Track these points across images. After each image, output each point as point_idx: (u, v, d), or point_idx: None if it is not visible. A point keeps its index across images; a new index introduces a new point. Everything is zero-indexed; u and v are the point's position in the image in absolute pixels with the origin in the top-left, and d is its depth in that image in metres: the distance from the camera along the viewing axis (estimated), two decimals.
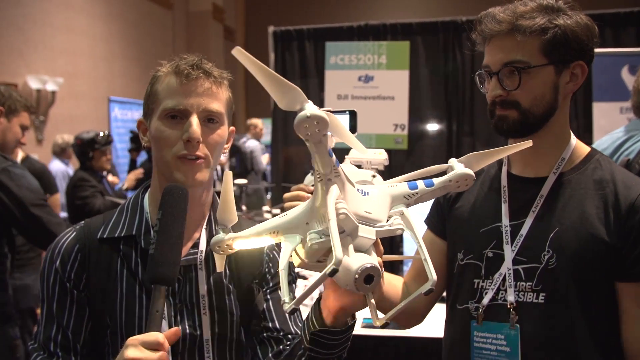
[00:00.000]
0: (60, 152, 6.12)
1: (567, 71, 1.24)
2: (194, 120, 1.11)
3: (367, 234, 0.82)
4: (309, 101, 0.76)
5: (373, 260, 0.79)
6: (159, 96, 1.15)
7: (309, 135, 0.75)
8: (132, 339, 0.94)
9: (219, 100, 1.16)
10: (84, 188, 4.09)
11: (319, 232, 0.82)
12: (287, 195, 1.07)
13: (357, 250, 0.82)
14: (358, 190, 0.84)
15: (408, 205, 0.89)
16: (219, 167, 6.41)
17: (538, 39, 1.19)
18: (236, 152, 8.34)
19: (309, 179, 1.08)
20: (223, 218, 0.88)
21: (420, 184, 0.89)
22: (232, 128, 1.25)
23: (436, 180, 0.89)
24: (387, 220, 0.86)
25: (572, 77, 1.25)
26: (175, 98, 1.12)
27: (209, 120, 1.15)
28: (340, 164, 1.10)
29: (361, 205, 0.83)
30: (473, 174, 0.90)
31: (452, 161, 0.90)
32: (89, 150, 4.18)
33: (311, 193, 1.04)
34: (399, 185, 0.89)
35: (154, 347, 0.92)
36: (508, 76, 1.22)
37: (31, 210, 2.14)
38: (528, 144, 1.04)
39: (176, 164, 1.13)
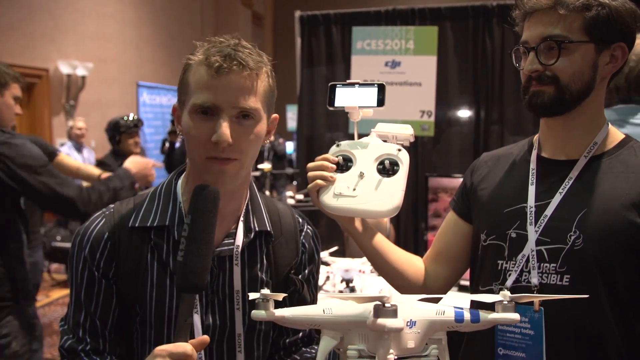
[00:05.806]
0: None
1: (607, 52, 1.21)
2: (224, 121, 1.02)
3: None
4: (386, 297, 0.80)
5: None
6: (190, 88, 1.06)
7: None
8: (159, 349, 0.93)
9: (254, 94, 1.06)
10: None
11: (359, 350, 0.86)
12: (311, 164, 1.06)
13: None
14: (407, 324, 0.86)
15: (447, 331, 0.91)
16: None
17: (581, 15, 1.17)
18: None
19: (334, 149, 1.08)
20: (266, 294, 0.90)
21: (467, 317, 0.89)
22: (274, 116, 1.16)
23: (482, 317, 0.89)
24: (426, 345, 0.89)
25: (611, 58, 1.22)
26: (205, 93, 1.03)
27: (244, 116, 1.06)
28: (367, 138, 1.09)
29: (407, 341, 0.86)
30: (519, 319, 0.91)
31: (504, 295, 0.89)
32: (115, 134, 4.24)
33: (336, 164, 1.03)
34: (446, 312, 0.89)
35: (182, 358, 0.92)
36: (546, 51, 1.20)
37: (38, 178, 2.17)
38: (580, 296, 1.06)
39: (205, 165, 1.06)
